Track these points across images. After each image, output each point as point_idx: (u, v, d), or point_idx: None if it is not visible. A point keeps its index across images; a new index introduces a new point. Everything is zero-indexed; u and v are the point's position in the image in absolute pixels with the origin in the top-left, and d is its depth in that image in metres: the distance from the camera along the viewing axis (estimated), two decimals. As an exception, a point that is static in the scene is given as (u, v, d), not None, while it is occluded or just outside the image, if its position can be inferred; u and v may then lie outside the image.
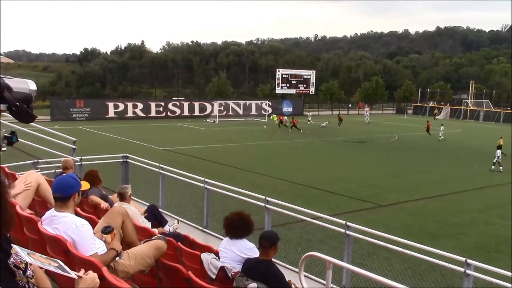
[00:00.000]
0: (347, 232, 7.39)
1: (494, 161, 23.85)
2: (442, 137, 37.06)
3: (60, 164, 9.77)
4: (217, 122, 49.28)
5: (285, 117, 46.30)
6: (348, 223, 7.45)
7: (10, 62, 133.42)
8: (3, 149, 1.17)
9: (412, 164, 25.05)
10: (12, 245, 2.04)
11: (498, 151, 23.88)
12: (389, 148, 31.83)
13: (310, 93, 67.37)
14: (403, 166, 24.55)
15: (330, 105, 76.63)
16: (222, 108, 54.03)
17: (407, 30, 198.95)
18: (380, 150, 30.28)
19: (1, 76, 1.19)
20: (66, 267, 2.32)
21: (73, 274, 2.34)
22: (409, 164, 25.19)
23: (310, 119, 49.74)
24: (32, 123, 7.24)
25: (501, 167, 23.49)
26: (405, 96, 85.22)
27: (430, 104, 73.97)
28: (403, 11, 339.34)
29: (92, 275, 2.53)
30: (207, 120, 50.83)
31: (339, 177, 20.61)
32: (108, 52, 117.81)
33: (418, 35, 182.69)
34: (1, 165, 6.70)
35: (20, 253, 2.02)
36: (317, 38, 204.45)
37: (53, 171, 9.96)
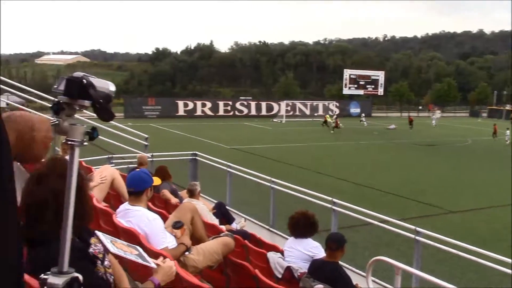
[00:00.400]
0: (416, 237, 7.16)
1: None
2: (508, 141, 35.32)
3: (133, 160, 10.16)
4: (283, 122, 49.33)
5: (334, 117, 45.72)
6: (418, 229, 7.22)
7: (87, 61, 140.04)
8: (84, 143, 1.22)
9: (486, 170, 23.93)
10: (96, 232, 2.12)
11: None
12: (461, 152, 30.58)
13: (379, 94, 66.01)
14: (476, 171, 23.51)
15: (399, 106, 74.69)
16: (289, 108, 54.10)
17: (482, 30, 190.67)
18: (452, 154, 29.16)
19: (86, 74, 1.25)
20: (145, 255, 2.40)
21: (152, 264, 2.41)
22: (483, 169, 24.08)
23: (363, 120, 48.96)
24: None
25: None
26: (480, 98, 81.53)
27: (507, 107, 70.28)
28: (477, 10, 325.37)
29: (169, 263, 2.60)
30: (274, 120, 51.01)
31: (408, 180, 20.04)
32: (179, 52, 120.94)
33: (494, 35, 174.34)
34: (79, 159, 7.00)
35: (104, 241, 2.11)
36: (386, 38, 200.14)
37: (126, 166, 10.33)
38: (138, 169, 5.20)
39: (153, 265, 2.43)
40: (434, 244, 7.15)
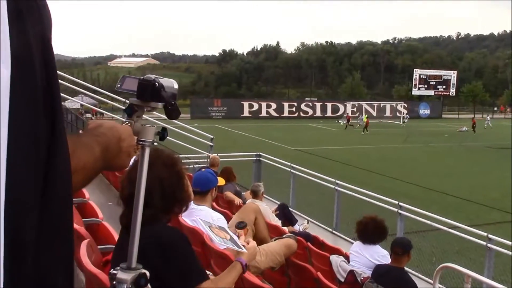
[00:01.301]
0: (488, 245, 6.87)
1: None
2: None
3: (198, 160, 10.39)
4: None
5: (362, 116, 44.35)
6: (490, 235, 6.93)
7: (156, 63, 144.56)
8: (154, 144, 1.28)
9: None
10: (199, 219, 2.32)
11: None
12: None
13: (450, 94, 63.66)
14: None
15: (473, 108, 71.64)
16: (355, 109, 53.31)
17: None
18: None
19: (157, 77, 1.31)
20: (236, 239, 2.55)
21: (244, 249, 2.53)
22: None
23: (405, 121, 47.70)
24: (173, 121, 7.77)
25: None
26: None
27: None
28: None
29: (253, 244, 2.73)
30: (339, 121, 50.43)
31: (480, 185, 19.18)
32: (245, 53, 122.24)
33: None
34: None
35: (202, 224, 2.31)
36: (459, 36, 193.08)
37: (192, 166, 10.54)
38: (203, 170, 5.31)
39: (245, 250, 2.53)
40: (507, 252, 6.84)
